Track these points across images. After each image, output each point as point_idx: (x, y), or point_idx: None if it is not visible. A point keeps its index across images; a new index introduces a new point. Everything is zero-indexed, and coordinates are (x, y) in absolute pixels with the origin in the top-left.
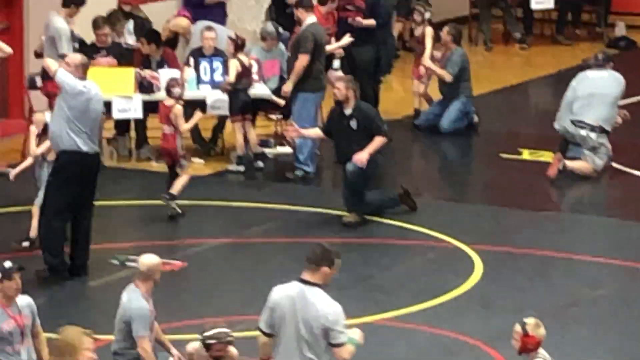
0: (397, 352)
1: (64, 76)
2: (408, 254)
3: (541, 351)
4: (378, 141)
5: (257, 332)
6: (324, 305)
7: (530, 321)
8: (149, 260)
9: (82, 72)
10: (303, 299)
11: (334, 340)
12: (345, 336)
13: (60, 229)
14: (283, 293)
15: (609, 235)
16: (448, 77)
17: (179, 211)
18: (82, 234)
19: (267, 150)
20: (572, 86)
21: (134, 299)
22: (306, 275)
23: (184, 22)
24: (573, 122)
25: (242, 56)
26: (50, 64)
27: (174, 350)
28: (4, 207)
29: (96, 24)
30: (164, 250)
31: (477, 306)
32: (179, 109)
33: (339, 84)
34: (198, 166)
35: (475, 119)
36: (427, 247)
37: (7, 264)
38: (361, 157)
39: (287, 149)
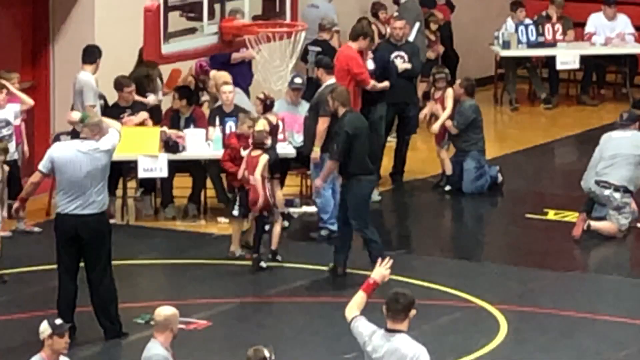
0: None
1: None
2: (434, 313)
3: None
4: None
5: None
6: (409, 349)
7: None
8: (165, 310)
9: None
10: (389, 345)
11: None
12: None
13: (65, 289)
14: (374, 342)
15: (634, 295)
16: (454, 130)
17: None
18: (100, 298)
19: (292, 210)
20: (598, 147)
21: (152, 348)
22: (390, 324)
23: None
24: (597, 183)
25: (270, 116)
26: (74, 115)
27: None
28: (31, 267)
29: (121, 83)
30: (189, 309)
31: None
32: (265, 157)
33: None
34: (223, 225)
35: (500, 178)
36: (452, 307)
37: (59, 321)
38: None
39: (312, 208)
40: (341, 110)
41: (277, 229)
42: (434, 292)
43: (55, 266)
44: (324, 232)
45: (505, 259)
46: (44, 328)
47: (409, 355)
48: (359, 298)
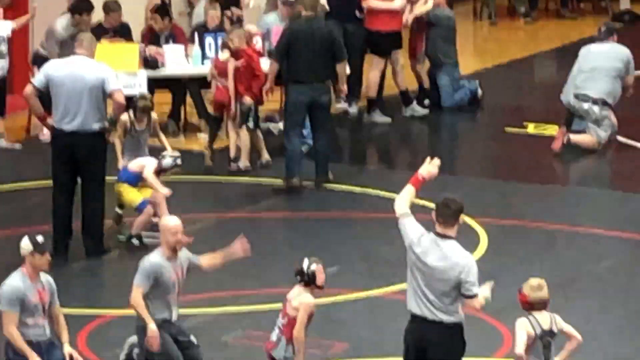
0: (404, 325)
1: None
2: None
3: (537, 314)
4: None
5: (259, 306)
6: (460, 257)
7: (531, 281)
8: (167, 221)
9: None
10: (439, 251)
11: (468, 292)
12: (477, 288)
13: (59, 206)
14: (422, 244)
15: (613, 207)
16: (426, 8)
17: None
18: (89, 213)
19: (272, 126)
20: (577, 60)
21: (150, 255)
22: (441, 229)
23: None
24: (576, 96)
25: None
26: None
27: None
28: (13, 183)
29: (109, 7)
30: None
31: (482, 279)
32: (234, 62)
33: None
34: (203, 141)
35: (480, 92)
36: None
37: (40, 238)
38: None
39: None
40: (302, 13)
41: (243, 136)
42: (413, 206)
43: (36, 183)
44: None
45: (485, 172)
46: (25, 244)
47: (460, 263)
48: (409, 193)
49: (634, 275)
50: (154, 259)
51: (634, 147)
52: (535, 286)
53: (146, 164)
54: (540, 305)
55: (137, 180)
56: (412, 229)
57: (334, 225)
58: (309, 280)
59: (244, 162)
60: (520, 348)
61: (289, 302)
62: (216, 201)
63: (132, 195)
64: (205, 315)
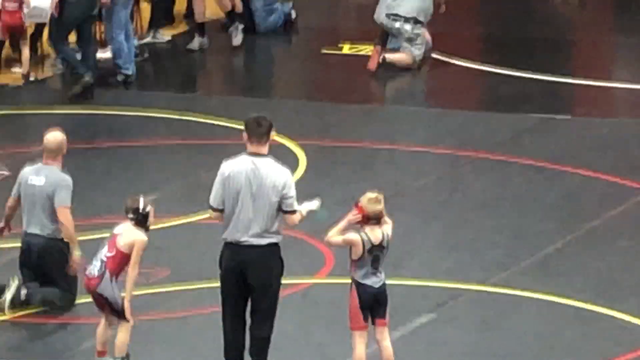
0: None
1: None
2: (231, 151)
3: (369, 231)
4: None
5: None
6: (279, 174)
7: (369, 194)
8: (56, 136)
9: None
10: (256, 171)
11: (289, 208)
12: (297, 204)
13: None
14: (235, 168)
15: (430, 124)
16: None
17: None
18: None
19: None
20: None
21: (56, 172)
22: (255, 148)
23: None
24: (388, 15)
25: None
26: None
27: None
28: None
29: None
30: None
31: (302, 199)
32: None
33: None
34: (17, 75)
35: (294, 15)
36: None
37: None
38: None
39: (107, 54)
40: None
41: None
42: (231, 130)
43: None
44: (120, 77)
45: (302, 95)
46: None
47: (280, 180)
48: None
49: (452, 190)
50: (67, 177)
51: (449, 64)
52: (372, 199)
53: None
54: (376, 218)
55: None
56: (226, 166)
57: (152, 152)
58: (141, 220)
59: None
60: (333, 235)
61: (118, 236)
62: (29, 133)
63: None
64: None
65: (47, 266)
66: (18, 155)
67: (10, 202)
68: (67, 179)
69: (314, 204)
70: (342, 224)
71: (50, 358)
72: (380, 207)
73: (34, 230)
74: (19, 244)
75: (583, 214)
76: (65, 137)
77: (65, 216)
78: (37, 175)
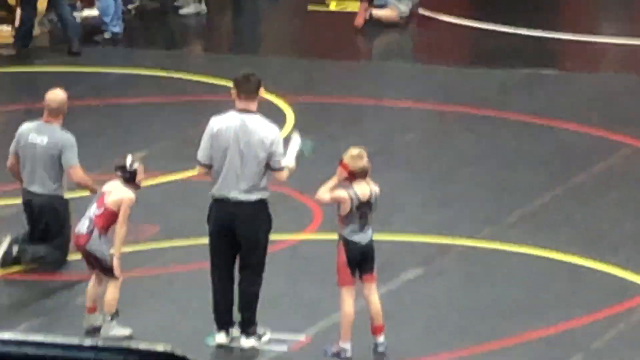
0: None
1: None
2: (222, 108)
3: (357, 187)
4: None
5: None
6: (267, 131)
7: (352, 150)
8: (59, 95)
9: None
10: (245, 127)
11: (277, 165)
12: (284, 160)
13: None
14: (224, 124)
15: (417, 80)
16: None
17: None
18: None
19: (75, 14)
20: None
21: (61, 132)
22: (244, 105)
23: None
24: None
25: None
26: None
27: None
28: None
29: None
30: None
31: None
32: None
33: None
34: (5, 33)
35: None
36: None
37: None
38: None
39: (94, 12)
40: None
41: None
42: (219, 87)
43: None
44: (107, 35)
45: (289, 52)
46: None
47: (268, 137)
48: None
49: (440, 145)
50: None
51: (435, 20)
52: (355, 155)
53: None
54: (362, 174)
55: None
56: (214, 121)
57: (141, 109)
58: (129, 177)
59: None
60: (322, 193)
61: (107, 194)
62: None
63: None
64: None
65: (46, 222)
66: None
67: (10, 160)
68: (71, 138)
69: (296, 142)
70: (331, 182)
71: (43, 314)
72: (363, 162)
73: (35, 188)
74: (9, 202)
75: (572, 168)
76: (66, 96)
77: (78, 176)
78: (38, 134)
